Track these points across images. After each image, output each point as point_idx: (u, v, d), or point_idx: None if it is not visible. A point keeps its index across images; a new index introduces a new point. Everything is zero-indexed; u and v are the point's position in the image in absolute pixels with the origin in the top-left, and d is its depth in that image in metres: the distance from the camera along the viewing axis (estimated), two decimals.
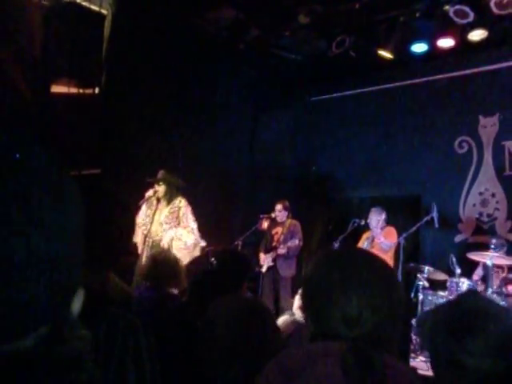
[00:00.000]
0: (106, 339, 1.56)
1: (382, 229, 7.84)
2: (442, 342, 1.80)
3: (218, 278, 3.85)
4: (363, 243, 7.95)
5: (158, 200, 7.00)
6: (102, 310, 1.61)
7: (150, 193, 7.02)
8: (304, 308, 1.57)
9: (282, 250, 8.14)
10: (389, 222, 8.09)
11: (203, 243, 7.08)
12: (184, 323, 3.19)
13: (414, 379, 1.49)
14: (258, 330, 2.11)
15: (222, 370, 1.90)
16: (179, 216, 6.97)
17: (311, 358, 1.42)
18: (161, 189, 6.98)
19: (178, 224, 6.95)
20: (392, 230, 7.88)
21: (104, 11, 7.82)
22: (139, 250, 6.86)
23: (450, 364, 1.76)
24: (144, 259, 6.79)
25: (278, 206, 8.46)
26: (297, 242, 8.14)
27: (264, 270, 8.31)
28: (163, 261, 4.34)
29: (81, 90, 7.77)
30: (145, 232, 6.88)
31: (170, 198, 7.00)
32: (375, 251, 7.57)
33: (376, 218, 7.86)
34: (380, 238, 7.69)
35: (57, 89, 7.61)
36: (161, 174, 7.05)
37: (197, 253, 6.95)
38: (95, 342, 1.54)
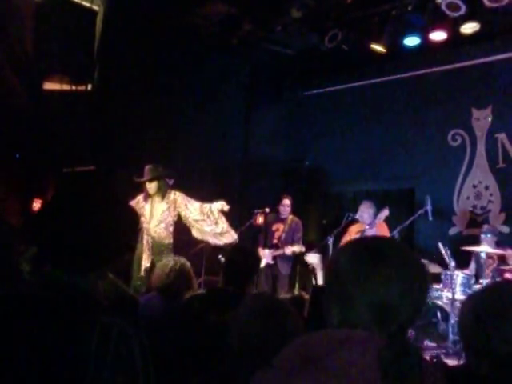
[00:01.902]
0: (97, 348, 1.54)
1: (371, 223, 7.87)
2: (475, 329, 1.82)
3: (226, 274, 3.87)
4: (352, 237, 7.93)
5: (151, 196, 6.96)
6: (94, 318, 1.59)
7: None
8: (328, 297, 1.51)
9: (288, 252, 8.12)
10: None
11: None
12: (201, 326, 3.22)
13: (442, 378, 1.47)
14: (279, 329, 2.10)
15: (245, 368, 1.89)
16: (176, 207, 6.93)
17: (334, 344, 1.38)
18: (152, 186, 6.89)
19: (176, 215, 6.93)
20: (384, 226, 7.90)
21: (96, 7, 7.79)
22: (138, 249, 6.83)
23: (481, 350, 1.78)
24: (145, 259, 6.78)
25: (287, 201, 8.40)
26: (303, 249, 8.14)
27: (262, 265, 8.31)
28: (180, 272, 4.30)
29: (73, 87, 7.74)
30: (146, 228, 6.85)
31: (163, 192, 6.93)
32: None
33: (369, 211, 7.87)
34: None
35: (49, 85, 7.58)
36: (148, 170, 6.94)
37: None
38: (87, 351, 1.53)
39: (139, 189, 7.03)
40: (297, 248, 8.09)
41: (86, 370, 1.51)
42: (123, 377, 1.54)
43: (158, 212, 6.89)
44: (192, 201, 7.00)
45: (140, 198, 7.04)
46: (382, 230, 7.79)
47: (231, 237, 7.07)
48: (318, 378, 1.34)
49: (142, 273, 6.70)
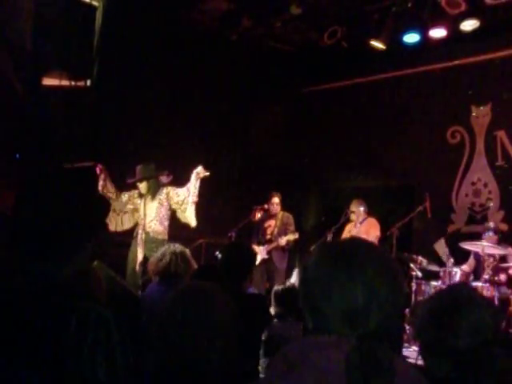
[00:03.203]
0: (76, 333, 1.56)
1: (362, 221, 7.90)
2: (430, 328, 1.86)
3: (223, 271, 3.87)
4: (345, 237, 7.96)
5: (142, 195, 6.99)
6: (71, 304, 1.61)
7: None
8: (302, 304, 1.50)
9: (282, 242, 8.12)
10: (382, 212, 8.13)
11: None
12: None
13: (423, 382, 1.47)
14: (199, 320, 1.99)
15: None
16: (168, 200, 6.94)
17: (307, 351, 1.39)
18: (143, 186, 6.94)
19: (170, 209, 6.94)
20: (374, 222, 7.92)
21: (95, 3, 7.78)
22: (132, 245, 6.86)
23: (438, 348, 1.80)
24: (139, 253, 6.79)
25: (276, 200, 8.41)
26: (297, 235, 8.14)
27: (257, 262, 8.31)
28: (175, 254, 4.28)
29: (73, 83, 7.73)
30: (141, 224, 6.87)
31: (153, 191, 6.95)
32: None
33: (359, 209, 7.91)
34: (361, 235, 7.70)
35: (48, 81, 7.57)
36: (139, 170, 6.97)
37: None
38: (65, 336, 1.55)
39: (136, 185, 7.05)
40: (290, 236, 8.10)
41: (65, 352, 1.53)
42: (102, 359, 1.56)
43: (151, 210, 6.91)
44: (178, 188, 6.99)
45: (135, 192, 7.06)
46: (373, 227, 7.81)
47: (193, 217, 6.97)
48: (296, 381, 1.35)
49: (137, 267, 6.72)
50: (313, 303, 1.47)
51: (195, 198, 6.83)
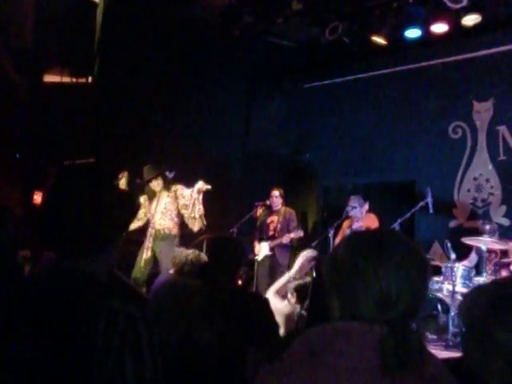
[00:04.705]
0: (104, 333, 1.56)
1: (362, 217, 7.90)
2: (480, 314, 1.81)
3: (209, 267, 3.80)
4: (344, 232, 7.96)
5: (155, 194, 7.05)
6: (100, 302, 1.61)
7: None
8: (331, 291, 1.53)
9: (286, 239, 8.12)
10: (383, 207, 8.12)
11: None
12: None
13: (445, 369, 1.48)
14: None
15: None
16: (176, 199, 7.00)
17: (333, 336, 1.41)
18: (157, 182, 7.01)
19: (177, 207, 6.99)
20: (373, 217, 7.92)
21: None
22: (143, 243, 6.89)
23: (482, 337, 1.78)
24: (146, 249, 6.81)
25: (276, 192, 8.43)
26: (302, 233, 8.14)
27: (260, 258, 8.32)
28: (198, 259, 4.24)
29: (74, 79, 7.74)
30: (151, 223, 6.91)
31: (165, 187, 7.03)
32: None
33: (356, 205, 7.91)
34: (362, 229, 7.72)
35: (50, 78, 7.58)
36: (148, 169, 7.04)
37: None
38: (94, 334, 1.54)
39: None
40: (294, 234, 8.10)
41: (93, 352, 1.53)
42: (130, 359, 1.55)
43: (161, 205, 6.95)
44: (185, 189, 7.06)
45: (143, 198, 7.11)
46: (370, 221, 7.82)
47: (201, 224, 7.03)
48: (318, 370, 1.37)
49: (142, 264, 6.74)
50: (344, 287, 1.50)
51: (201, 212, 6.92)
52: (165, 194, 7.04)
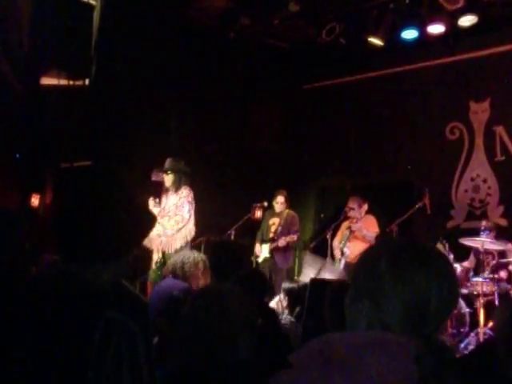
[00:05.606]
0: (100, 341, 1.55)
1: (361, 218, 7.89)
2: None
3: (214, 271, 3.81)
4: (343, 233, 7.95)
5: (167, 190, 6.99)
6: (99, 311, 1.60)
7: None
8: (360, 297, 1.48)
9: (282, 243, 8.10)
10: (381, 208, 8.12)
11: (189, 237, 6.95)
12: None
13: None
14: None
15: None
16: (178, 206, 6.94)
17: (366, 347, 1.34)
18: (168, 178, 6.92)
19: (175, 214, 6.91)
20: (372, 219, 7.92)
21: (93, 2, 7.77)
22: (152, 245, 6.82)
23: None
24: (156, 252, 6.76)
25: (281, 199, 8.34)
26: (295, 237, 8.10)
27: (260, 260, 8.31)
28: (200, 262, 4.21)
29: (71, 82, 7.74)
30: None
31: (178, 186, 6.93)
32: (359, 242, 7.63)
33: (356, 206, 7.89)
34: (362, 230, 7.71)
35: (47, 80, 7.58)
36: (168, 162, 6.97)
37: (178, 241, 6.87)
38: (89, 342, 1.54)
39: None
40: (289, 238, 8.05)
41: (88, 359, 1.53)
42: (127, 373, 1.54)
43: (169, 205, 6.90)
44: (184, 208, 6.95)
45: (151, 199, 7.04)
46: (371, 225, 7.82)
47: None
48: (348, 380, 1.30)
49: (154, 266, 6.70)
50: (380, 294, 1.45)
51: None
52: (174, 192, 6.95)
